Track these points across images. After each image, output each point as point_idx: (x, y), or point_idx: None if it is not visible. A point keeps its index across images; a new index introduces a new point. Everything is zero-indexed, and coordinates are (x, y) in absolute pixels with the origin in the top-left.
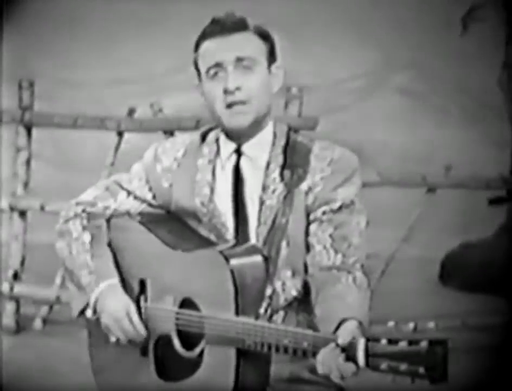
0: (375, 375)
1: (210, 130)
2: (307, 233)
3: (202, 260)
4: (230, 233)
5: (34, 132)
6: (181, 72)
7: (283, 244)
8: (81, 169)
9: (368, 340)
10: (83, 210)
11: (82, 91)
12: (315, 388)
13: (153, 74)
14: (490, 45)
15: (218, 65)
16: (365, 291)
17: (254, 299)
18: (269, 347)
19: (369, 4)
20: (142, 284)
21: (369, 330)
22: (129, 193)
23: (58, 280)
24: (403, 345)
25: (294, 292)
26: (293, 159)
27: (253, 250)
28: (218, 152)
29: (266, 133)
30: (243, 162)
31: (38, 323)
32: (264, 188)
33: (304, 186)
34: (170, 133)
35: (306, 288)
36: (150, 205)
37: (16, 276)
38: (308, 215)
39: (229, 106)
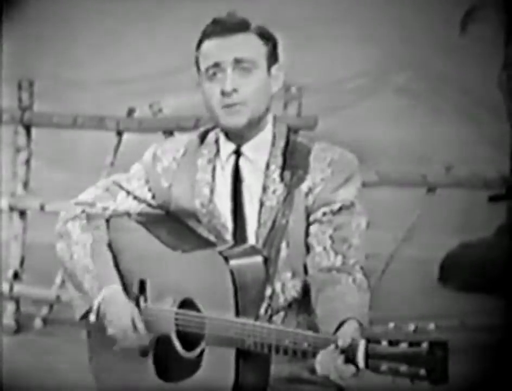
0: (375, 375)
1: (209, 130)
2: (307, 234)
3: (202, 261)
4: (229, 234)
5: (34, 132)
6: (181, 72)
7: (283, 245)
8: (81, 169)
9: (368, 341)
10: (83, 211)
11: (82, 91)
12: (315, 388)
13: (153, 74)
14: (489, 45)
15: (216, 65)
16: (365, 292)
17: (253, 300)
18: (269, 348)
19: (368, 4)
20: (142, 284)
21: (369, 331)
22: (128, 193)
23: (58, 280)
24: (403, 346)
25: (294, 293)
26: (292, 160)
27: (253, 251)
28: (218, 152)
29: (266, 134)
30: (243, 163)
31: (38, 323)
32: (264, 189)
33: (304, 187)
34: (169, 133)
35: (306, 289)
36: (149, 205)
37: (15, 276)
38: (308, 216)
39: (226, 107)
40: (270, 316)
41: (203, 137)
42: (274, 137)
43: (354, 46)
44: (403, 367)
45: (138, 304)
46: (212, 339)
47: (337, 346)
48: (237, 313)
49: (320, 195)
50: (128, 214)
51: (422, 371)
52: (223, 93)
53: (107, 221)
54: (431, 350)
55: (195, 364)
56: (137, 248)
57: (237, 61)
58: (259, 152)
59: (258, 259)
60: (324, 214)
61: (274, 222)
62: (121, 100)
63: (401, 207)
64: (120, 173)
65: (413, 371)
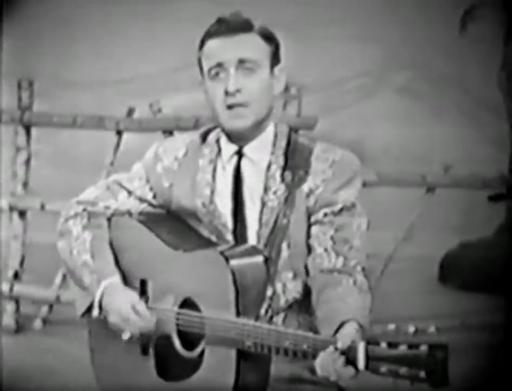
0: (375, 377)
1: (210, 130)
2: (308, 234)
3: (203, 261)
4: (230, 234)
5: (34, 131)
6: (181, 72)
7: (284, 245)
8: (80, 168)
9: (368, 343)
10: (84, 210)
11: (81, 91)
12: (316, 388)
13: (153, 74)
14: (489, 45)
15: (220, 65)
16: (366, 293)
17: (254, 300)
18: (269, 349)
19: (368, 4)
20: (143, 284)
21: (368, 332)
22: (130, 192)
23: (58, 280)
24: (403, 348)
25: (294, 294)
26: (294, 161)
27: (254, 251)
28: (219, 152)
29: (267, 135)
30: (244, 164)
31: (38, 323)
32: (265, 189)
33: (305, 188)
34: (169, 133)
35: (306, 289)
36: (151, 204)
37: (15, 276)
38: (309, 217)
39: (229, 107)
40: (271, 317)
41: (204, 137)
42: (275, 137)
43: (355, 46)
44: (403, 369)
45: None
46: (212, 339)
47: (336, 348)
48: (238, 313)
49: (321, 196)
50: (129, 213)
51: (422, 373)
52: (227, 93)
53: (108, 220)
54: (431, 352)
55: (196, 364)
56: (138, 248)
57: (241, 61)
58: (261, 152)
59: (259, 259)
60: (325, 215)
61: (275, 222)
62: (120, 100)
63: (401, 207)
64: (121, 173)
65: (412, 373)
